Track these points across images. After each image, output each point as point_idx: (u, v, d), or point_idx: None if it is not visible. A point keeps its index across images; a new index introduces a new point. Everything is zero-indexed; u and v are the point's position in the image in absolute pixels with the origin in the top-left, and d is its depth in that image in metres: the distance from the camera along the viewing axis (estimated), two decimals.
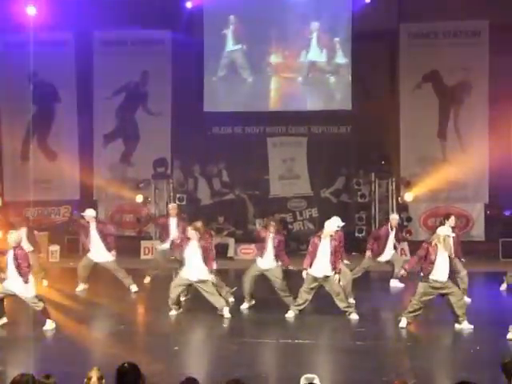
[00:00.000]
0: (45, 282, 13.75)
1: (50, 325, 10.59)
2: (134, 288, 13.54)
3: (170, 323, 11.25)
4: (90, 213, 13.47)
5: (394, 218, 14.14)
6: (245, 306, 11.99)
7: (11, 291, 10.55)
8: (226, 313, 11.32)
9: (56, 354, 9.50)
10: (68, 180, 19.64)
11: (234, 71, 19.44)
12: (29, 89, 19.51)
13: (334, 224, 11.26)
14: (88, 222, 13.41)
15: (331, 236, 11.11)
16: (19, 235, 10.81)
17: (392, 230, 13.67)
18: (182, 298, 11.89)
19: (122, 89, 19.74)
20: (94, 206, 17.63)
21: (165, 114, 19.61)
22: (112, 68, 19.39)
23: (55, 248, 17.85)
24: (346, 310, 11.21)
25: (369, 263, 13.67)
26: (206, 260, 11.27)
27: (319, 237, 11.20)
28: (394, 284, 13.88)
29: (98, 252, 13.40)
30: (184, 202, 18.96)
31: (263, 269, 11.88)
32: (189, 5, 19.00)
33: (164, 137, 19.57)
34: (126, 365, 5.36)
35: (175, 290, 11.40)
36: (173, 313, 11.47)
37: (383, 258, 13.65)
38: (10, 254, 10.42)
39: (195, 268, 11.26)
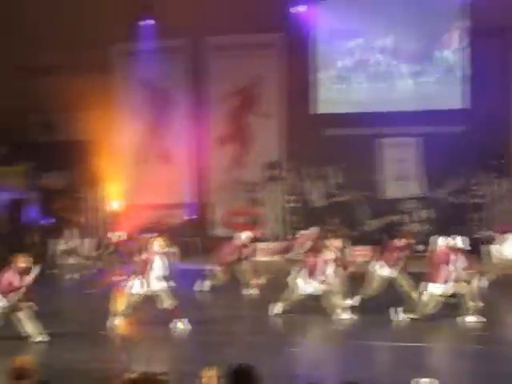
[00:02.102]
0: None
1: (180, 325, 10.87)
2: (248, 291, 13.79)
3: (283, 324, 11.29)
4: None
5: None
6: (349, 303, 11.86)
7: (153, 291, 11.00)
8: (346, 314, 11.33)
9: (171, 353, 9.74)
10: (184, 183, 20.07)
11: (346, 72, 19.42)
12: (146, 95, 20.18)
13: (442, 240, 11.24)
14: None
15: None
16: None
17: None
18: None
19: (236, 92, 20.02)
20: (212, 209, 18.08)
21: (277, 116, 19.73)
22: (225, 72, 19.69)
23: (174, 250, 18.32)
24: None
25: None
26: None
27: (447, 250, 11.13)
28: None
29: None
30: (297, 204, 18.98)
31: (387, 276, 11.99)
32: (301, 8, 19.11)
33: (277, 139, 19.69)
34: (242, 365, 5.38)
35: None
36: (277, 308, 11.61)
37: None
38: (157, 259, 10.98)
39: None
